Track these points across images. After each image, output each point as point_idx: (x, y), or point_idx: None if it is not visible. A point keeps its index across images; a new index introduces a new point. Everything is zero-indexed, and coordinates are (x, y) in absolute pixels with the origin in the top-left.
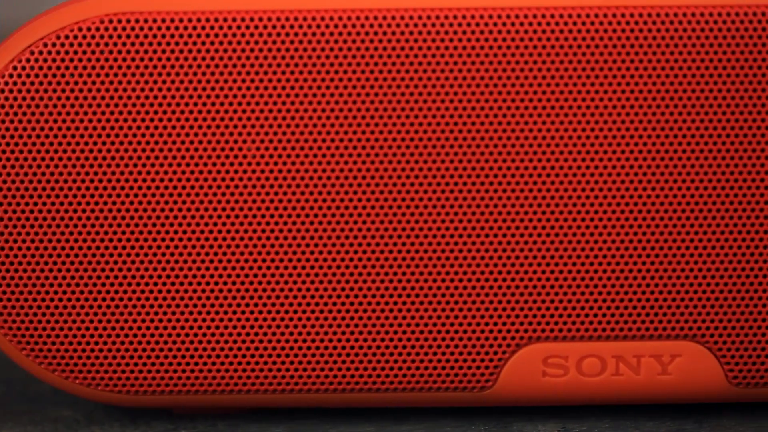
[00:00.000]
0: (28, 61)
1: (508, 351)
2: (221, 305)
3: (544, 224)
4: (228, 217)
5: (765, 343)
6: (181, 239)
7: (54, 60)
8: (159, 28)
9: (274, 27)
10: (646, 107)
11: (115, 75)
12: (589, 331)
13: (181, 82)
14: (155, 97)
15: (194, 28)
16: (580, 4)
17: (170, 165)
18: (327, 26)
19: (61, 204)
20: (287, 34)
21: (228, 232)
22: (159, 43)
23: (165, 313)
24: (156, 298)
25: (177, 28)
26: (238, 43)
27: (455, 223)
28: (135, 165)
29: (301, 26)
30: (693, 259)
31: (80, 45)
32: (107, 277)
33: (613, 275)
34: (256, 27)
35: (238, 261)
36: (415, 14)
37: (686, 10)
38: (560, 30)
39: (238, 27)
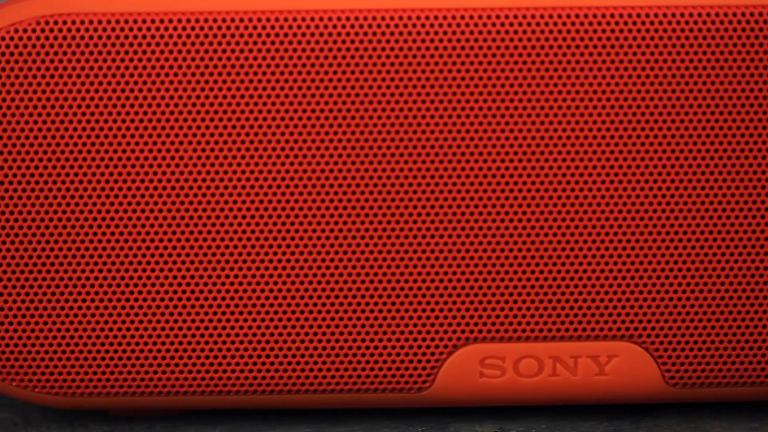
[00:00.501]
0: None
1: (445, 352)
2: (157, 306)
3: (480, 225)
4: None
5: (701, 344)
6: (108, 240)
7: None
8: (96, 30)
9: (192, 28)
10: (579, 108)
11: (51, 76)
12: (526, 331)
13: (118, 83)
14: (92, 99)
15: (130, 29)
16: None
17: (107, 167)
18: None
19: None
20: (212, 35)
21: (157, 233)
22: (95, 45)
23: (102, 315)
24: (92, 300)
25: (113, 30)
26: (174, 44)
27: (391, 224)
28: (71, 167)
29: (237, 27)
30: (630, 260)
31: (16, 47)
32: (44, 279)
33: (550, 276)
34: (192, 27)
35: (166, 263)
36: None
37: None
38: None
39: (175, 28)
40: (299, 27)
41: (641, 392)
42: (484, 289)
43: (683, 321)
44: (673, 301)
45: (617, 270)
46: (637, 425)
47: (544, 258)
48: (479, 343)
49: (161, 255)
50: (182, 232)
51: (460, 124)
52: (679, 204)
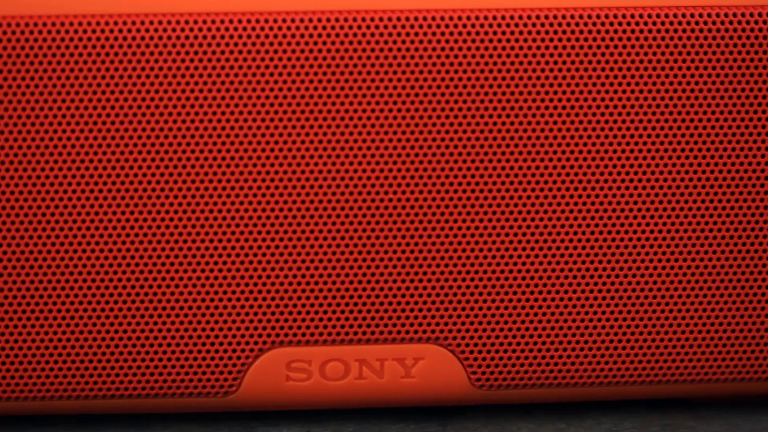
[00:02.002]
0: None
1: (251, 356)
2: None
3: (285, 229)
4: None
5: (507, 345)
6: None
7: None
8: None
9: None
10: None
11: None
12: (332, 335)
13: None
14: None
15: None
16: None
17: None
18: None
19: None
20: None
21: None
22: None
23: None
24: None
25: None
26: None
27: (197, 228)
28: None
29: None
30: (435, 262)
31: None
32: None
33: (356, 279)
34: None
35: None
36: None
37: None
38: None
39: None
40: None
41: (448, 394)
42: (290, 293)
43: (489, 323)
44: (478, 304)
45: (422, 273)
46: (444, 427)
47: (349, 261)
48: (285, 346)
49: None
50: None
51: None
52: (475, 206)
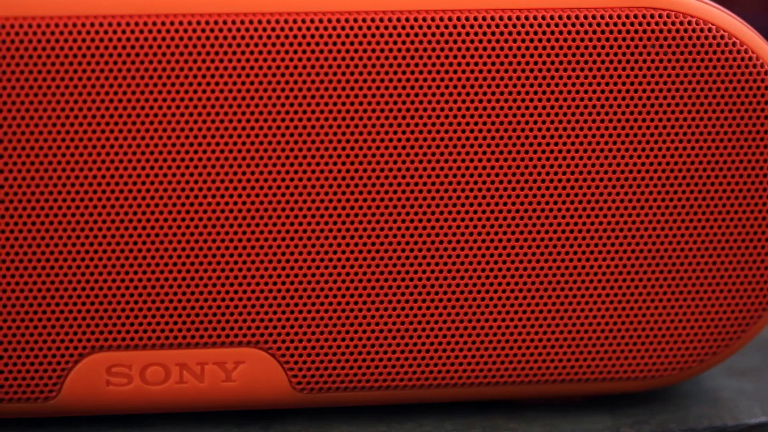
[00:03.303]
0: None
1: (71, 361)
2: None
3: (105, 234)
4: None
5: (328, 348)
6: None
7: None
8: (26, 33)
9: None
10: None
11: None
12: (152, 339)
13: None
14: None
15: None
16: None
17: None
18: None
19: None
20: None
21: None
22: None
23: None
24: None
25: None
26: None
27: (15, 233)
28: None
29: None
30: (255, 266)
31: None
32: None
33: (175, 282)
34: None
35: None
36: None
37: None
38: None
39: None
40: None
41: (269, 398)
42: (109, 298)
43: (309, 326)
44: (298, 307)
45: (242, 276)
46: (267, 430)
47: (169, 265)
48: (105, 351)
49: None
50: None
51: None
52: (294, 210)
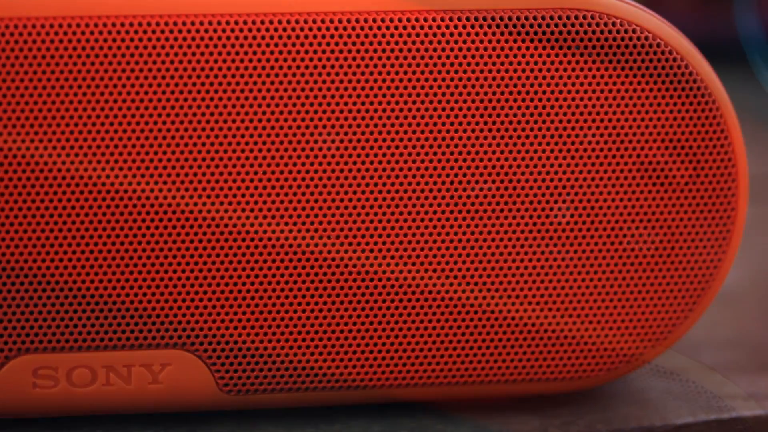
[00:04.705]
0: None
1: None
2: None
3: (30, 235)
4: None
5: (254, 351)
6: None
7: None
8: (27, 34)
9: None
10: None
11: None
12: (78, 341)
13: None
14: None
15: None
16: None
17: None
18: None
19: None
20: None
21: None
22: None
23: None
24: None
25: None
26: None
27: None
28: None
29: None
30: (181, 267)
31: None
32: None
33: (101, 284)
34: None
35: None
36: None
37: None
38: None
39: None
40: (284, 29)
41: (196, 400)
42: (35, 300)
43: (235, 328)
44: (224, 309)
45: (167, 278)
46: None
47: (94, 267)
48: (31, 353)
49: None
50: None
51: None
52: (210, 211)
